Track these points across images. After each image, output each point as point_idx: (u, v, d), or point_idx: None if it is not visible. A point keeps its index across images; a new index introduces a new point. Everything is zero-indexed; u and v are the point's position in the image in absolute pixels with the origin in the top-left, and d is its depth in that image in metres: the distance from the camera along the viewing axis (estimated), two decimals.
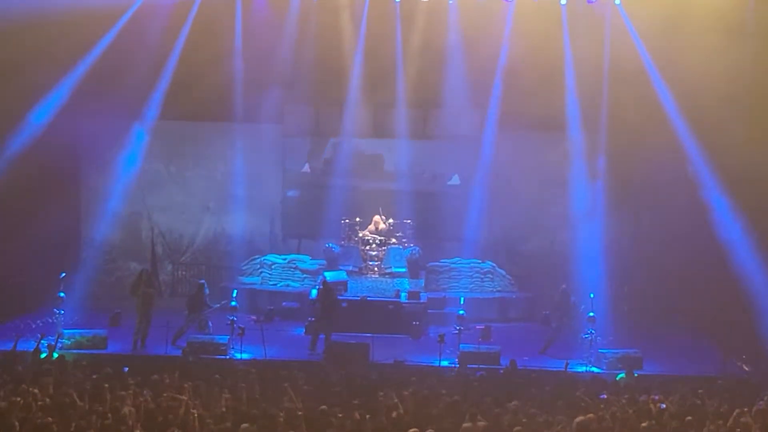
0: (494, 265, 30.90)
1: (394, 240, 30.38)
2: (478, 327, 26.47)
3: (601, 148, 30.72)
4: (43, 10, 25.86)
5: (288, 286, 30.13)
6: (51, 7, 26.07)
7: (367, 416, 15.03)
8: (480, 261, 30.85)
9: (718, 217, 27.83)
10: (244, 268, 31.02)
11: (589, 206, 30.42)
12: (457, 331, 25.00)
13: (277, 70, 30.84)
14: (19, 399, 15.17)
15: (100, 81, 28.83)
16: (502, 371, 21.39)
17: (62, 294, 24.63)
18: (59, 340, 23.78)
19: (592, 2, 29.77)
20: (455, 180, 32.27)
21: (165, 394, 16.35)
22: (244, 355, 23.65)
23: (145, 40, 29.30)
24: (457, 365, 22.67)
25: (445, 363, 23.08)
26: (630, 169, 30.63)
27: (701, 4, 27.53)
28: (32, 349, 21.70)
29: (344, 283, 28.32)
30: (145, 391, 16.77)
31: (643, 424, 15.31)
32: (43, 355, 21.21)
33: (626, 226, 31.50)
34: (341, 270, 29.01)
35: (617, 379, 21.34)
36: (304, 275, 30.42)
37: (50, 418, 14.05)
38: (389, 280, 29.00)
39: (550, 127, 31.06)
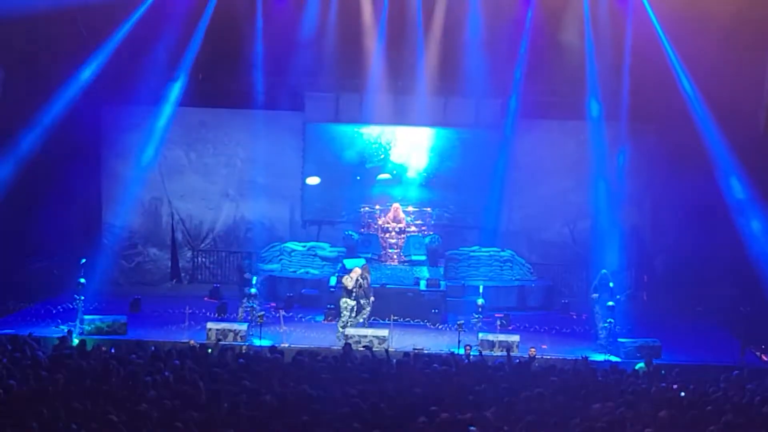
0: (514, 253, 30.85)
1: (413, 228, 30.37)
2: (497, 315, 26.49)
3: (622, 137, 30.62)
4: None
5: (308, 273, 30.14)
6: None
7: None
8: (500, 249, 30.82)
9: (737, 206, 27.74)
10: (264, 255, 31.04)
11: (609, 195, 30.34)
12: (476, 320, 25.06)
13: (298, 56, 30.80)
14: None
15: (122, 67, 28.90)
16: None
17: (83, 280, 24.72)
18: (79, 326, 23.95)
19: None
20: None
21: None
22: (264, 342, 23.70)
23: (166, 27, 29.34)
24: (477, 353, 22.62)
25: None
26: (650, 157, 30.58)
27: None
28: (52, 335, 21.85)
29: None
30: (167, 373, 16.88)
31: (662, 413, 15.30)
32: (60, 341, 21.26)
33: (646, 214, 31.45)
34: (361, 257, 29.01)
35: (636, 368, 21.30)
36: (324, 263, 30.44)
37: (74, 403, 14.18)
38: (408, 268, 28.99)
39: (571, 115, 31.00)
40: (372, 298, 25.67)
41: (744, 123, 28.02)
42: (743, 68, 27.43)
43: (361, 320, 25.30)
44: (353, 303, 25.12)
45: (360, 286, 25.33)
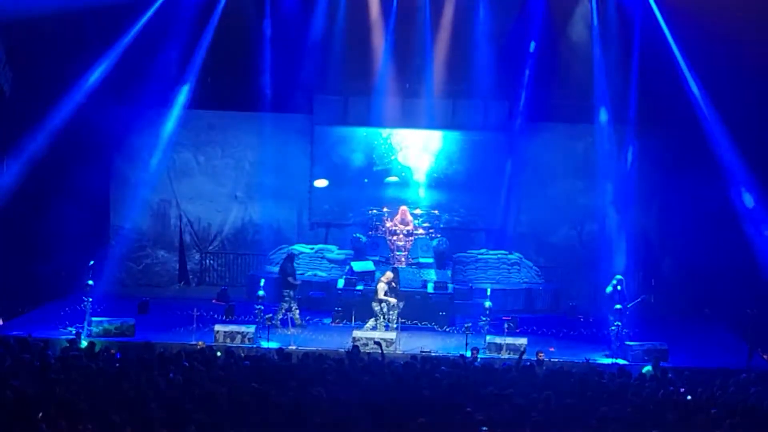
0: (521, 256, 30.86)
1: (421, 230, 30.36)
2: (504, 318, 26.48)
3: (630, 140, 30.63)
4: None
5: (315, 275, 30.16)
6: None
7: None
8: (507, 252, 30.83)
9: (746, 210, 27.73)
10: (272, 257, 31.11)
11: (616, 198, 30.35)
12: (483, 322, 25.03)
13: (307, 59, 30.88)
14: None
15: (130, 69, 28.97)
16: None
17: (91, 281, 24.74)
18: (87, 327, 23.99)
19: None
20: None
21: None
22: (272, 344, 23.72)
23: (175, 29, 29.42)
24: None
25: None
26: (658, 160, 30.59)
27: None
28: (60, 337, 21.89)
29: (372, 273, 28.35)
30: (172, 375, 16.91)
31: (668, 417, 15.29)
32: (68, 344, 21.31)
33: (653, 217, 31.43)
34: (368, 260, 29.04)
35: (643, 371, 21.28)
36: (332, 265, 30.48)
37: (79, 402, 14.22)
38: (416, 271, 28.96)
39: (579, 118, 31.06)
40: (402, 303, 25.82)
41: (752, 126, 27.99)
42: (752, 71, 27.38)
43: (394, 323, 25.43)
44: (384, 307, 25.31)
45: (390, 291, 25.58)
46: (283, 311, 26.13)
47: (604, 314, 25.44)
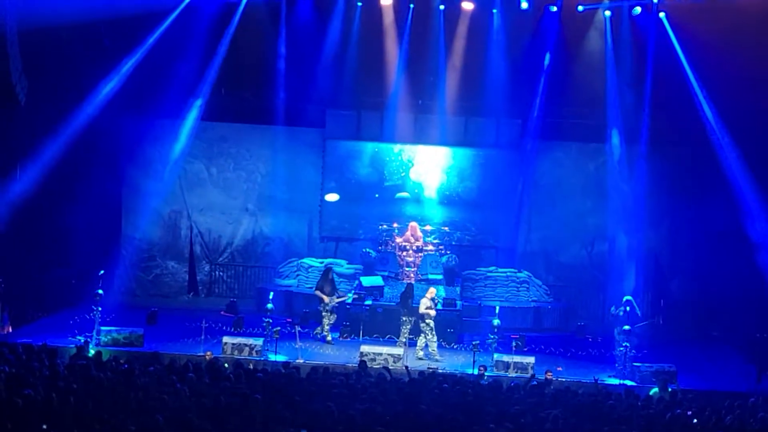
0: (530, 274, 30.86)
1: (431, 247, 30.40)
2: (512, 336, 26.46)
3: (641, 160, 30.64)
4: (91, 9, 26.06)
5: None
6: (98, 5, 26.26)
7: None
8: (517, 270, 30.84)
9: (756, 232, 27.70)
10: (281, 270, 31.17)
11: (627, 218, 30.34)
12: (491, 340, 25.02)
13: (320, 73, 30.99)
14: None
15: (145, 80, 29.06)
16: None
17: (101, 291, 24.76)
18: (96, 337, 24.02)
19: (636, 14, 29.78)
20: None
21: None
22: (279, 357, 23.75)
23: (189, 42, 29.52)
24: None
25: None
26: (669, 181, 30.59)
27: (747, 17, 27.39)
28: (69, 345, 21.91)
29: (380, 289, 28.38)
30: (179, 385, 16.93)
31: None
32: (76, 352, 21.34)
33: (663, 238, 31.41)
34: (377, 275, 29.06)
35: (650, 393, 21.26)
36: (341, 279, 30.47)
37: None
38: (425, 287, 28.95)
39: (591, 137, 31.11)
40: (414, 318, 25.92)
41: (764, 148, 27.97)
42: (765, 93, 27.37)
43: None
44: (430, 324, 25.27)
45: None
46: (330, 324, 26.40)
47: (612, 334, 25.41)
